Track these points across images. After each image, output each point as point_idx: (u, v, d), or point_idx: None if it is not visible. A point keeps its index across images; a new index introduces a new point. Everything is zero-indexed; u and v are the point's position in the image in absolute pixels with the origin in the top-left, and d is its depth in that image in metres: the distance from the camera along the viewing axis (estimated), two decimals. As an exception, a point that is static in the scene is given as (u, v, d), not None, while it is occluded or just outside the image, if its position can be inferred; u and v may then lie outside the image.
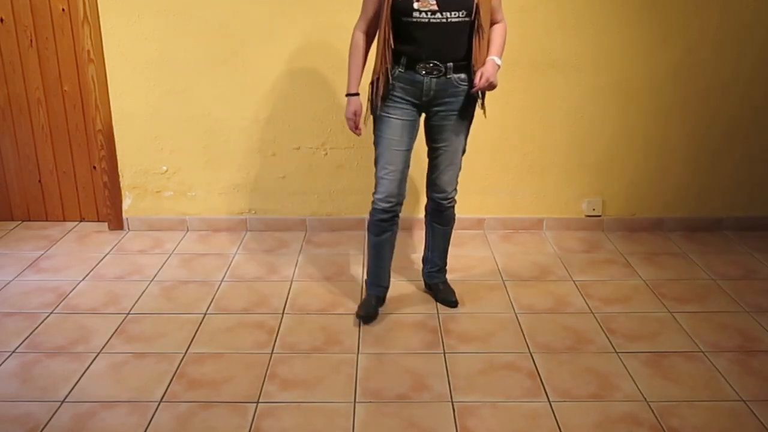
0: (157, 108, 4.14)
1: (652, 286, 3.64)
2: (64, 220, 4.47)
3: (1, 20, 4.06)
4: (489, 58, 2.98)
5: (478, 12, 2.85)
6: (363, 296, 3.40)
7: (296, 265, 3.87)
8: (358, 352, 3.01)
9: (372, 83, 3.01)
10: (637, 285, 3.65)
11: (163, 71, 4.07)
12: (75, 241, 4.18)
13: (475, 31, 2.88)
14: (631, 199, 4.36)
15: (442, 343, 3.09)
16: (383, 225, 3.12)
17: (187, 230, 4.37)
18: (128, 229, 4.37)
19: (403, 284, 3.61)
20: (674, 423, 2.55)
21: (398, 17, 2.84)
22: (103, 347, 3.05)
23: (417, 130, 3.07)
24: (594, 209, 4.35)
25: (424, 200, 3.39)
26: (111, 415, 2.59)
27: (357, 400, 2.69)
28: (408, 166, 3.07)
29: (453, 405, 2.66)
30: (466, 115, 3.07)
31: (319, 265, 3.88)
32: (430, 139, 3.14)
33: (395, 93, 2.98)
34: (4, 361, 2.94)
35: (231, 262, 3.92)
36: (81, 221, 4.47)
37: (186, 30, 3.99)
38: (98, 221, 4.47)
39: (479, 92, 3.02)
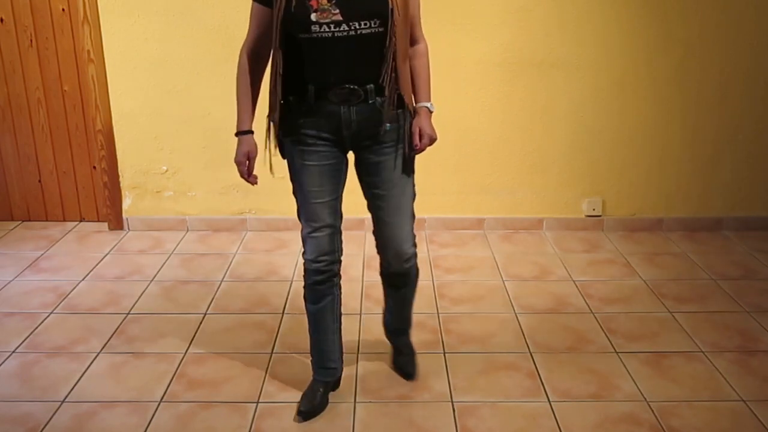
0: (157, 108, 4.14)
1: (652, 286, 3.64)
2: (64, 220, 4.47)
3: (1, 20, 4.06)
4: (421, 105, 2.46)
5: (394, 20, 2.23)
6: (310, 383, 2.71)
7: (296, 265, 3.86)
8: (357, 352, 3.01)
9: (249, 113, 2.46)
10: (637, 285, 3.65)
11: (163, 71, 4.07)
12: (75, 241, 4.18)
13: (390, 45, 2.26)
14: (631, 199, 4.36)
15: (442, 342, 3.09)
16: (320, 289, 2.53)
17: (187, 230, 4.37)
18: (128, 229, 4.37)
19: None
20: (674, 423, 2.55)
21: (294, 34, 2.24)
22: (103, 347, 3.05)
23: (344, 174, 2.49)
24: (594, 209, 4.35)
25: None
26: (111, 415, 2.59)
27: (357, 400, 2.69)
28: (338, 218, 2.52)
29: (453, 405, 2.66)
30: (403, 147, 2.44)
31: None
32: (365, 184, 2.51)
33: (306, 131, 2.38)
34: (4, 361, 2.94)
35: (231, 262, 3.92)
36: (81, 221, 4.47)
37: (186, 30, 3.99)
38: (98, 221, 4.46)
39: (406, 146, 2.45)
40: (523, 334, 3.16)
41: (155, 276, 3.73)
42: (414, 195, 2.55)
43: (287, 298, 3.49)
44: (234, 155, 2.49)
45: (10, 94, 4.21)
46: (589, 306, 3.42)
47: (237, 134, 2.47)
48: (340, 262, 2.56)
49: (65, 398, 2.69)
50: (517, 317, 3.31)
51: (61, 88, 4.20)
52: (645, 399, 2.69)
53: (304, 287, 2.57)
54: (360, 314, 3.30)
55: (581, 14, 3.97)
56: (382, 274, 2.71)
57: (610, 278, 3.72)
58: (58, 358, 2.96)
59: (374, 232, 2.58)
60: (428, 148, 2.49)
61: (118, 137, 4.22)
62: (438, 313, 3.34)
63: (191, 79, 4.08)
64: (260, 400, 2.69)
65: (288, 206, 4.30)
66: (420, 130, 2.44)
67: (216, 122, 4.16)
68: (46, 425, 2.53)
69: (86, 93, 4.17)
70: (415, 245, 2.60)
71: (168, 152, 4.23)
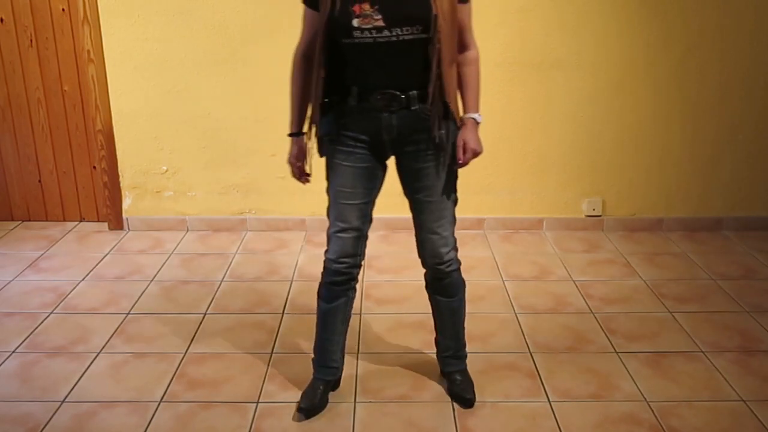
0: (157, 108, 4.14)
1: (652, 286, 3.64)
2: (64, 220, 4.47)
3: (1, 20, 4.06)
4: (467, 116, 2.44)
5: (437, 26, 2.21)
6: (311, 381, 2.72)
7: (296, 265, 3.87)
8: (358, 352, 3.01)
9: (302, 114, 2.50)
10: (637, 285, 3.65)
11: (163, 71, 4.07)
12: (75, 241, 4.18)
13: (435, 51, 2.24)
14: (631, 199, 4.36)
15: (442, 343, 3.08)
16: (336, 289, 2.56)
17: (187, 230, 4.37)
18: (128, 229, 4.37)
19: (403, 284, 3.60)
20: (674, 423, 2.55)
21: (338, 38, 2.26)
22: (103, 347, 3.05)
23: (379, 179, 2.50)
24: (594, 209, 4.35)
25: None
26: (111, 415, 2.59)
27: (357, 399, 2.69)
28: (367, 222, 2.51)
29: (453, 405, 2.66)
30: (445, 152, 2.43)
31: (319, 265, 3.87)
32: (407, 189, 2.50)
33: (346, 132, 2.40)
34: (4, 361, 2.94)
35: (231, 262, 3.92)
36: (81, 221, 4.47)
37: (186, 30, 3.99)
38: (98, 221, 4.46)
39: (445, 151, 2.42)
40: (523, 334, 3.16)
41: (155, 276, 3.73)
42: (456, 200, 2.54)
43: (287, 298, 3.49)
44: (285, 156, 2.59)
45: (10, 94, 4.21)
46: (589, 306, 3.42)
47: (289, 135, 2.53)
48: (360, 266, 2.57)
49: (65, 398, 2.69)
50: (517, 317, 3.31)
51: (61, 88, 4.20)
52: (645, 399, 2.69)
53: (320, 284, 2.59)
54: (360, 314, 3.29)
55: (581, 15, 3.98)
56: (427, 286, 2.71)
57: (610, 278, 3.72)
58: (58, 358, 2.96)
59: (416, 236, 2.57)
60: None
61: (118, 137, 4.22)
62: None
63: (191, 79, 4.09)
64: (260, 400, 2.69)
65: (288, 206, 4.35)
66: (465, 144, 2.43)
67: (216, 122, 4.17)
68: (46, 425, 2.53)
69: (86, 93, 4.17)
70: (456, 250, 2.59)
71: (168, 152, 4.23)
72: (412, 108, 2.33)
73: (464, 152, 2.43)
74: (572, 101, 4.14)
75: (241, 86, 4.09)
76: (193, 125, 4.18)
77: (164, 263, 3.89)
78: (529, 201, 4.36)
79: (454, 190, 2.52)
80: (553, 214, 4.38)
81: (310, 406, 2.61)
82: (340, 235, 2.48)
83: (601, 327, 3.22)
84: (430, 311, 3.15)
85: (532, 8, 3.95)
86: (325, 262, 2.55)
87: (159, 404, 2.66)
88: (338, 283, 2.55)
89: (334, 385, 2.74)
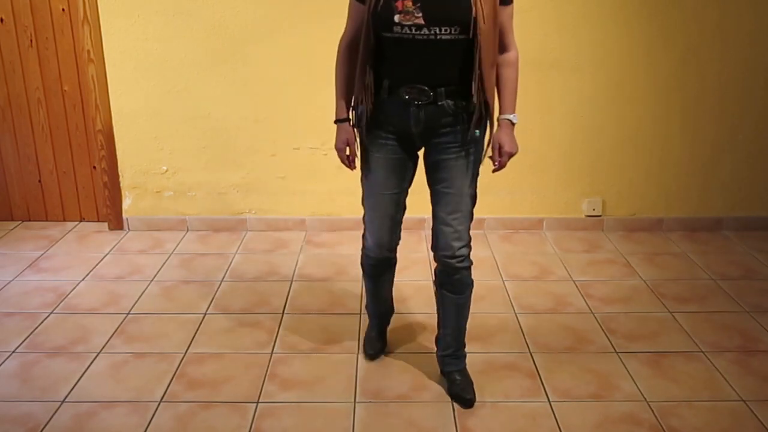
0: (157, 108, 4.14)
1: (652, 286, 3.64)
2: (64, 220, 4.47)
3: (1, 20, 4.06)
4: (503, 118, 2.52)
5: (477, 29, 2.28)
6: (367, 329, 3.07)
7: (296, 265, 3.87)
8: (358, 352, 3.01)
9: (352, 108, 2.57)
10: (637, 285, 3.65)
11: (163, 71, 4.07)
12: (75, 241, 4.18)
13: (478, 54, 2.32)
14: (631, 199, 4.36)
15: (442, 343, 3.08)
16: (378, 268, 2.79)
17: (187, 230, 4.37)
18: (128, 229, 4.37)
19: (404, 284, 3.60)
20: (674, 423, 2.55)
21: (378, 31, 2.34)
22: (103, 347, 3.05)
23: (410, 170, 2.59)
24: (594, 209, 4.35)
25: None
26: (111, 415, 2.59)
27: (357, 400, 2.69)
28: (401, 211, 2.63)
29: (453, 405, 2.66)
30: (470, 149, 2.49)
31: (319, 264, 3.88)
32: (430, 179, 2.57)
33: (378, 124, 2.49)
34: (4, 361, 2.94)
35: (231, 262, 3.92)
36: (81, 221, 4.47)
37: (186, 30, 3.99)
38: (98, 221, 4.47)
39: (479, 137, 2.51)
40: (523, 334, 3.16)
41: (155, 276, 3.73)
42: (475, 197, 2.58)
43: (287, 298, 3.49)
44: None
45: (10, 94, 4.21)
46: (589, 306, 3.42)
47: (336, 122, 2.59)
48: (397, 247, 2.73)
49: (65, 398, 2.69)
50: (517, 317, 3.31)
51: (61, 88, 4.20)
52: (645, 399, 2.69)
53: (362, 262, 2.81)
54: (360, 314, 3.29)
55: (580, 15, 3.97)
56: (435, 280, 2.74)
57: (610, 278, 3.72)
58: (58, 358, 2.96)
59: (432, 228, 2.61)
60: None
61: (118, 137, 4.22)
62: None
63: (191, 79, 4.08)
64: (260, 400, 2.69)
65: (288, 206, 4.35)
66: (500, 147, 2.51)
67: (216, 122, 4.17)
68: (46, 425, 2.53)
69: (86, 93, 4.17)
70: (469, 248, 2.59)
71: (168, 152, 4.23)
72: (439, 103, 2.40)
73: (500, 154, 2.52)
74: (572, 101, 4.14)
75: (241, 86, 4.09)
76: (193, 125, 4.18)
77: (164, 263, 3.89)
78: (529, 201, 4.36)
79: (474, 186, 2.56)
80: (553, 214, 4.38)
81: (375, 351, 2.96)
82: (375, 223, 2.62)
83: (601, 327, 3.22)
84: (431, 311, 3.16)
85: (531, 9, 3.95)
86: (363, 248, 2.74)
87: (159, 404, 2.66)
88: (379, 266, 2.77)
89: (386, 327, 3.04)
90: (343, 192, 4.22)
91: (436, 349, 2.84)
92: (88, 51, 4.03)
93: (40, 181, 4.40)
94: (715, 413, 2.61)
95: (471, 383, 2.74)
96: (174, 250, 4.06)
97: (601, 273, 3.78)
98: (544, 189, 4.33)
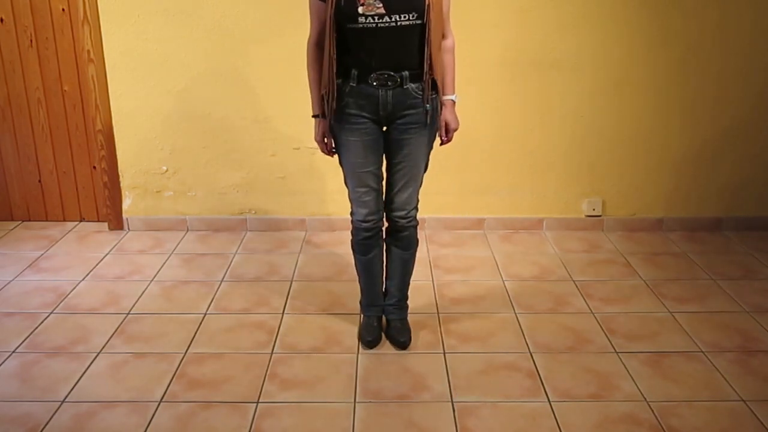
0: (157, 108, 4.14)
1: (652, 286, 3.64)
2: (64, 220, 4.47)
3: (1, 20, 4.06)
4: (446, 98, 2.82)
5: (429, 14, 2.58)
6: (361, 319, 3.21)
7: (296, 265, 3.87)
8: (358, 352, 3.01)
9: (321, 97, 2.77)
10: (637, 285, 3.65)
11: (163, 71, 4.08)
12: (75, 241, 4.18)
13: (427, 35, 2.61)
14: (631, 199, 4.36)
15: (442, 342, 3.09)
16: (368, 242, 2.96)
17: (187, 230, 4.37)
18: (128, 229, 4.37)
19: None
20: (674, 423, 2.56)
21: (343, 24, 2.59)
22: (103, 347, 3.05)
23: (383, 145, 2.84)
24: (594, 209, 4.35)
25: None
26: (111, 415, 2.59)
27: (357, 400, 2.69)
28: (380, 181, 2.88)
29: (453, 405, 2.66)
30: (428, 127, 2.78)
31: (318, 264, 3.88)
32: (390, 154, 2.85)
33: (350, 110, 2.72)
34: (4, 361, 2.94)
35: (231, 261, 3.92)
36: (81, 221, 4.47)
37: (186, 30, 3.99)
38: (98, 221, 4.47)
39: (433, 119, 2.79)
40: (523, 334, 3.16)
41: (155, 276, 3.73)
42: (427, 167, 2.91)
43: (287, 298, 3.49)
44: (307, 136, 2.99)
45: (10, 94, 4.21)
46: (589, 306, 3.42)
47: (313, 116, 2.85)
48: (383, 218, 2.95)
49: (65, 398, 2.69)
50: (517, 317, 3.31)
51: (61, 88, 4.20)
52: (645, 399, 2.69)
53: (352, 242, 3.01)
54: (360, 315, 3.29)
55: (580, 14, 3.97)
56: (385, 237, 3.04)
57: (610, 278, 3.72)
58: (58, 358, 2.96)
59: (386, 193, 2.91)
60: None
61: (118, 137, 4.22)
62: (438, 313, 3.34)
63: (191, 79, 4.08)
64: (260, 400, 2.69)
65: (288, 206, 4.35)
66: (447, 124, 2.86)
67: (216, 122, 4.17)
68: (46, 425, 2.53)
69: (86, 93, 4.17)
70: (416, 210, 2.95)
71: (168, 152, 4.24)
72: (405, 86, 2.69)
73: (446, 131, 2.88)
74: (572, 101, 4.14)
75: (241, 86, 4.09)
76: (193, 125, 4.18)
77: (164, 263, 3.89)
78: (529, 201, 4.36)
79: (428, 159, 2.90)
80: (553, 214, 4.38)
81: (374, 338, 3.05)
82: (363, 198, 2.86)
83: (601, 327, 3.22)
84: (431, 312, 3.17)
85: (531, 8, 3.95)
86: (353, 222, 2.95)
87: (159, 404, 2.66)
88: (369, 237, 2.95)
89: (381, 317, 3.16)
90: (343, 191, 4.21)
91: (383, 300, 3.16)
92: (88, 51, 4.03)
93: (40, 181, 4.40)
94: (715, 413, 2.61)
95: (408, 331, 3.10)
96: (174, 250, 4.06)
97: (601, 273, 3.78)
98: (544, 189, 4.33)
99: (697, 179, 4.32)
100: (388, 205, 2.92)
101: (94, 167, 4.35)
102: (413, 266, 3.11)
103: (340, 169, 2.88)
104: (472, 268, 3.83)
